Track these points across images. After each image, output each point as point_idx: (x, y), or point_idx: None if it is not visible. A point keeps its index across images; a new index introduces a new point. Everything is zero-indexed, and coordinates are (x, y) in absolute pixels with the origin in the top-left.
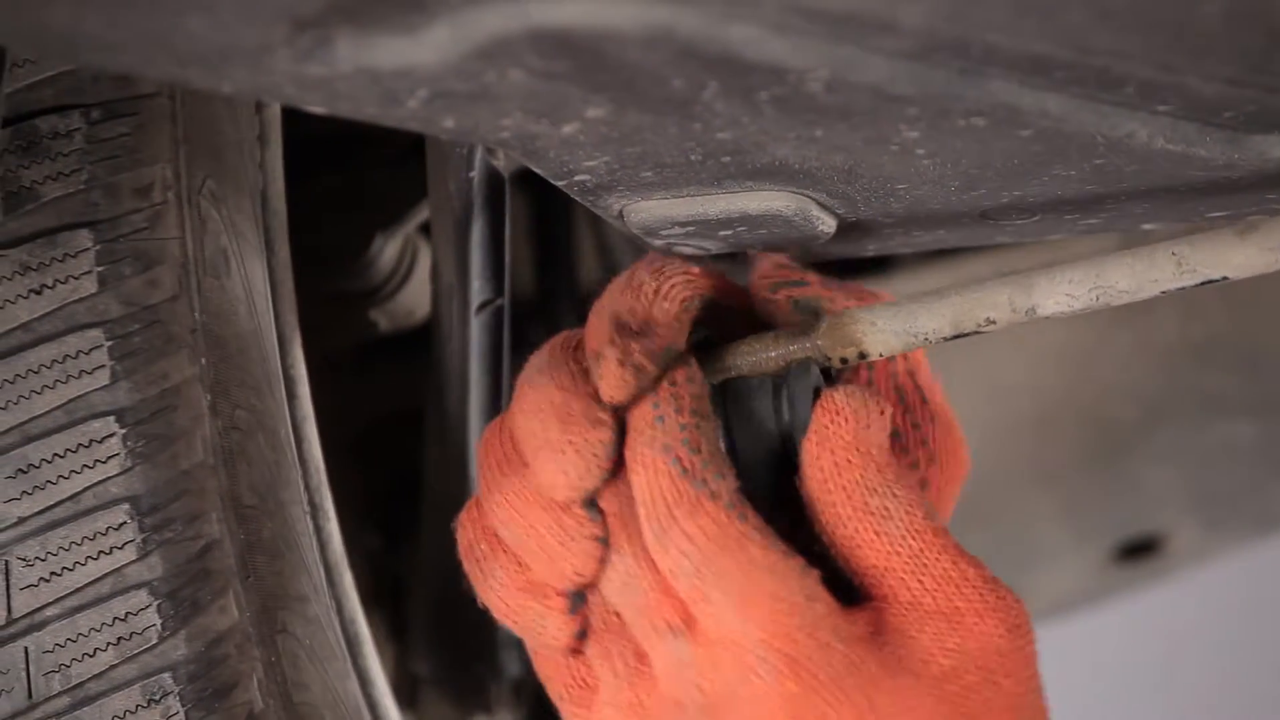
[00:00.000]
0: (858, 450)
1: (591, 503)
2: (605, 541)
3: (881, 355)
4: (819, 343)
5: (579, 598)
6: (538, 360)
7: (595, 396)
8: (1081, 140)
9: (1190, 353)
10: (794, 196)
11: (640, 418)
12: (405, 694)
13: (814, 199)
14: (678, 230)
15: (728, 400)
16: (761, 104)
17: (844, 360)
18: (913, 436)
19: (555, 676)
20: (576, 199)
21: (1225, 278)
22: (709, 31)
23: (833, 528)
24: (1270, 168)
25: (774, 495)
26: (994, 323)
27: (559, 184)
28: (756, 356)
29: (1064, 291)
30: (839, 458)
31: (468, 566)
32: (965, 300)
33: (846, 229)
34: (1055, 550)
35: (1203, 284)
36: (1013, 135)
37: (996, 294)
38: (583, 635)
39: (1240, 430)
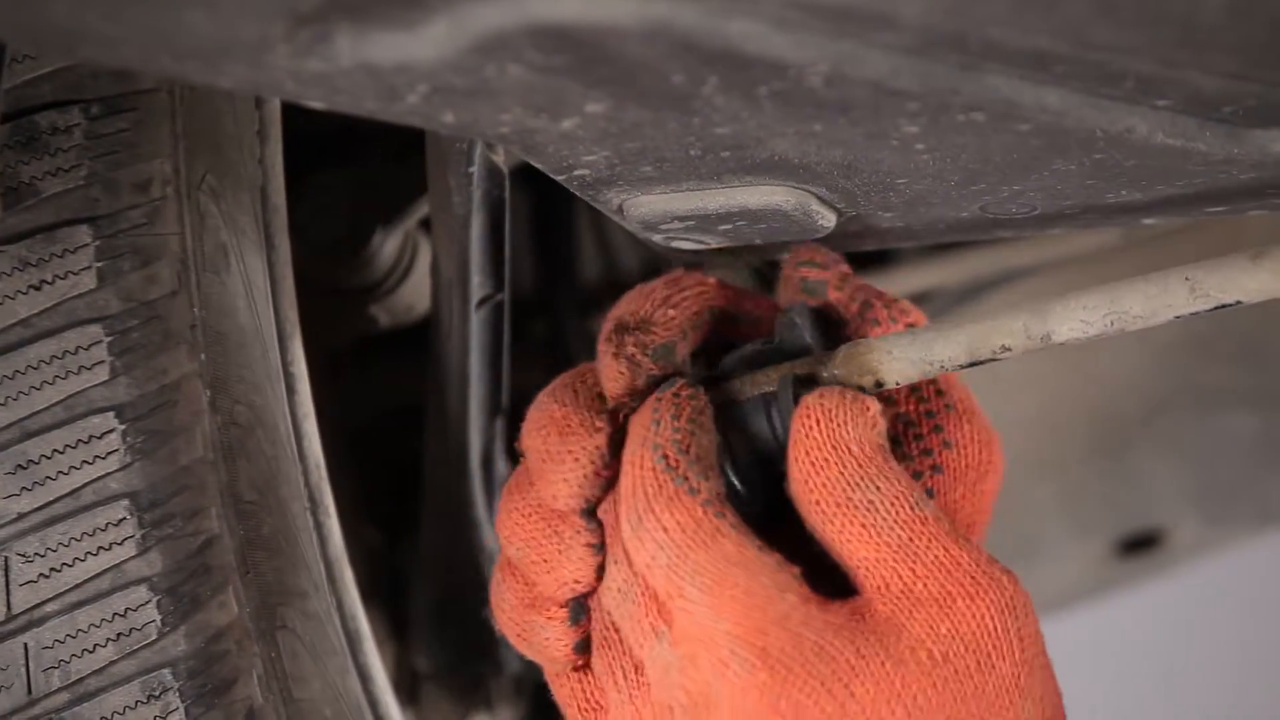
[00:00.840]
0: (833, 448)
1: (590, 513)
2: (601, 549)
3: (898, 383)
4: (835, 371)
5: (579, 609)
6: (547, 387)
7: (595, 409)
8: (1081, 135)
9: (1191, 346)
10: (793, 191)
11: (639, 423)
12: (406, 690)
13: (813, 194)
14: (677, 225)
15: (729, 423)
16: (761, 99)
17: (861, 389)
18: (926, 424)
19: (570, 700)
20: (576, 193)
21: (1239, 302)
22: (708, 26)
23: (821, 526)
24: (1270, 162)
25: (777, 509)
26: (1009, 350)
27: (558, 178)
28: (776, 380)
29: (1079, 318)
30: (815, 456)
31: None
32: (981, 328)
33: (846, 224)
34: (1056, 544)
35: (1216, 308)
36: (1012, 130)
37: (1012, 321)
38: (586, 649)
39: (1241, 423)
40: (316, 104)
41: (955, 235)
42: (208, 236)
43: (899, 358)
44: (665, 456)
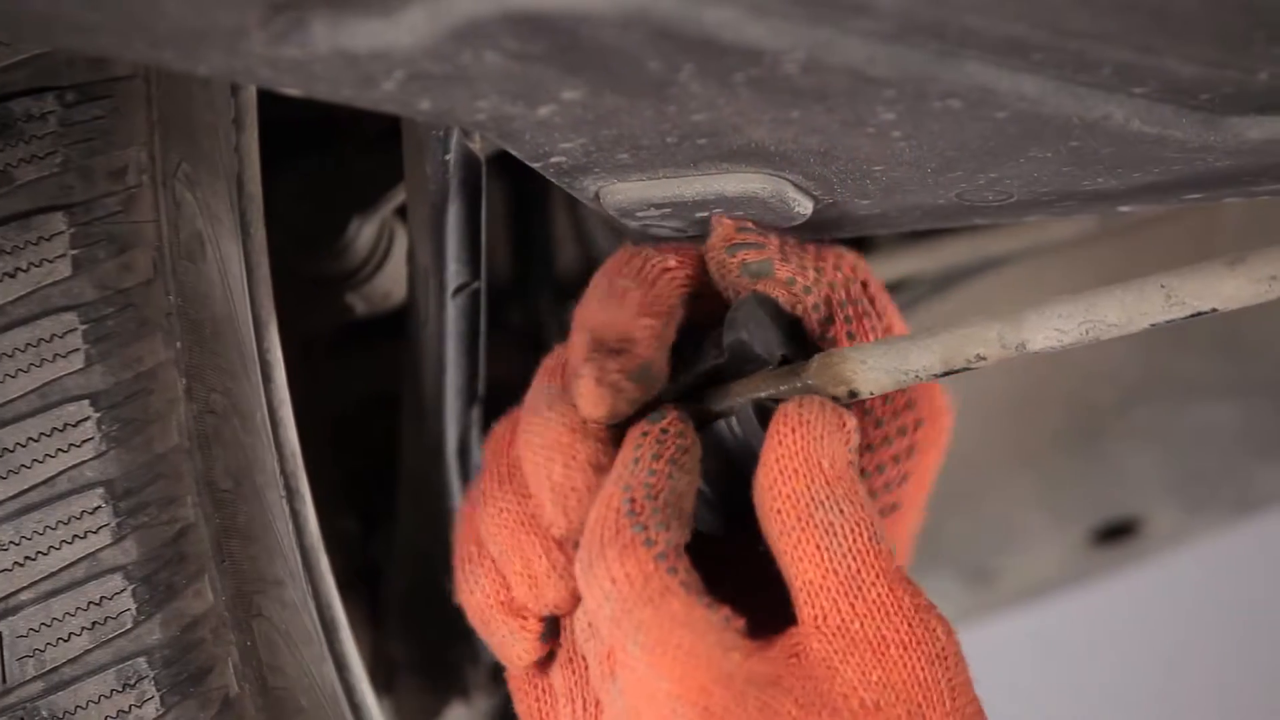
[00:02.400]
0: (805, 460)
1: None
2: None
3: (873, 393)
4: (810, 382)
5: (554, 626)
6: (540, 388)
7: (601, 439)
8: (1058, 122)
9: (1168, 334)
10: (770, 178)
11: (621, 457)
12: (382, 679)
13: (790, 181)
14: (654, 212)
15: (703, 436)
16: (737, 86)
17: (835, 399)
18: (899, 398)
19: (522, 696)
20: (553, 181)
21: (1215, 309)
22: (685, 13)
23: (776, 538)
24: (1246, 149)
25: (740, 520)
26: (984, 359)
27: (535, 166)
28: (746, 399)
29: (1054, 326)
30: (785, 466)
31: (455, 560)
32: (955, 337)
33: (822, 211)
34: (1033, 533)
35: (1193, 316)
36: (989, 117)
37: (986, 330)
38: (550, 659)
39: (1218, 412)
40: (293, 91)
41: (932, 222)
42: (183, 224)
43: (874, 367)
44: (632, 500)
